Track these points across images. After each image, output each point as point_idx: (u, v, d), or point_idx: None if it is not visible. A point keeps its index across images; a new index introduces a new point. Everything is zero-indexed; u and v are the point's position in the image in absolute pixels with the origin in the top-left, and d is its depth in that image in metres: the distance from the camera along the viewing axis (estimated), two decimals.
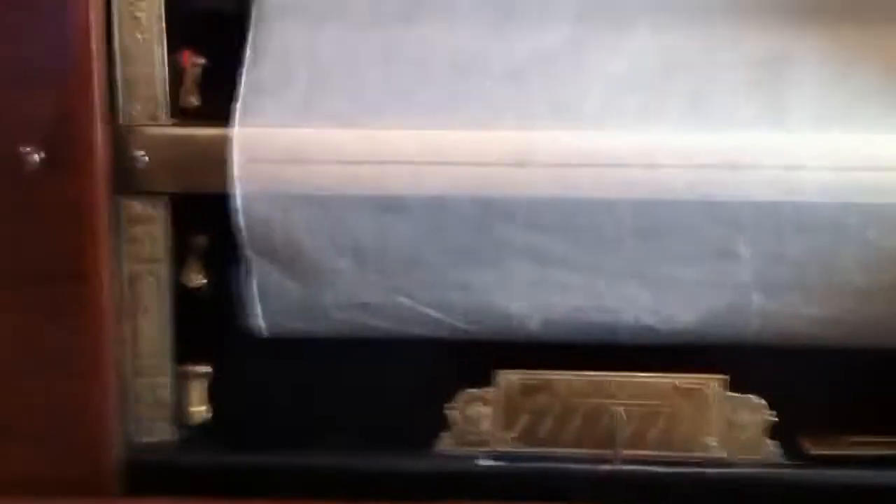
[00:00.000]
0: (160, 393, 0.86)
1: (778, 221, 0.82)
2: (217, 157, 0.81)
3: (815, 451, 0.86)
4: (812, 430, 0.87)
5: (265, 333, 0.87)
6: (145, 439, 0.86)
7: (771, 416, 0.85)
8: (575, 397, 0.84)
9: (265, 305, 0.86)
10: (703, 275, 0.84)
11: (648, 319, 0.85)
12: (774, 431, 0.85)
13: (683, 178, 0.81)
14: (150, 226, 0.84)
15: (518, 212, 0.82)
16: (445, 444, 0.85)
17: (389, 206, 0.82)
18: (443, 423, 0.85)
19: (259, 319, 0.87)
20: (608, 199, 0.81)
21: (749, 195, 0.81)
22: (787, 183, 0.81)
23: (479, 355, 0.87)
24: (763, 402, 0.84)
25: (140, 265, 0.85)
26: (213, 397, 0.89)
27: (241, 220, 0.82)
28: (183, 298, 0.87)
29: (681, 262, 0.83)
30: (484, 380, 0.85)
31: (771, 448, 0.85)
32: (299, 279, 0.85)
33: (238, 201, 0.82)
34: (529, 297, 0.85)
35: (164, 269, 0.85)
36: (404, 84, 0.83)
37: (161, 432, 0.86)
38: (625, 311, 0.85)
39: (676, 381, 0.84)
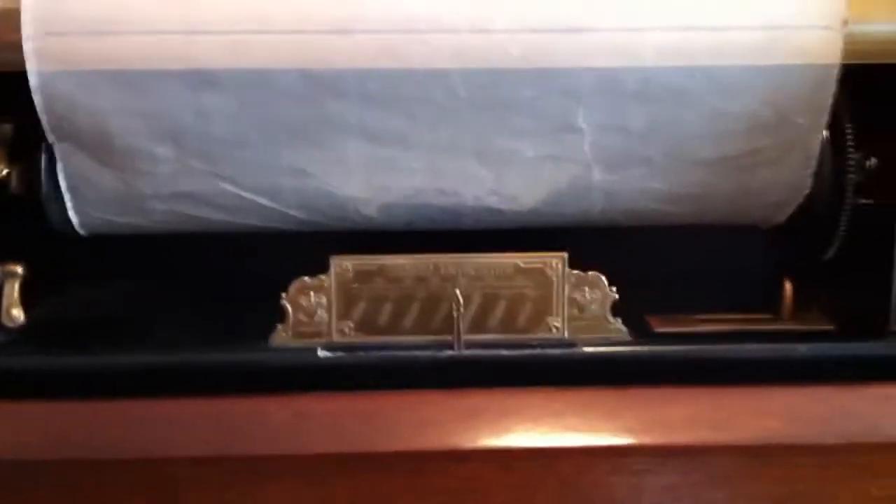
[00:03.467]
0: None
1: (617, 90, 0.79)
2: (9, 32, 0.75)
3: (659, 329, 0.85)
4: (656, 308, 0.86)
5: (78, 229, 0.82)
6: None
7: (614, 294, 0.83)
8: (412, 282, 0.81)
9: (76, 198, 0.80)
10: (543, 150, 0.81)
11: (490, 200, 0.82)
12: (618, 310, 0.83)
13: (518, 44, 0.77)
14: None
15: (346, 85, 0.77)
16: (281, 337, 0.81)
17: (204, 81, 0.76)
18: (278, 316, 0.81)
19: (71, 213, 0.81)
20: (440, 69, 0.77)
21: (587, 62, 0.78)
22: (627, 47, 0.78)
23: (312, 243, 0.82)
24: (605, 279, 0.83)
25: None
26: (31, 298, 0.82)
27: (39, 100, 0.76)
28: None
29: (519, 136, 0.80)
30: (319, 269, 0.81)
31: (615, 326, 0.83)
32: (111, 167, 0.79)
33: (34, 79, 0.75)
34: (366, 180, 0.81)
35: None
36: None
37: None
38: (466, 191, 0.82)
39: (518, 261, 0.81)
